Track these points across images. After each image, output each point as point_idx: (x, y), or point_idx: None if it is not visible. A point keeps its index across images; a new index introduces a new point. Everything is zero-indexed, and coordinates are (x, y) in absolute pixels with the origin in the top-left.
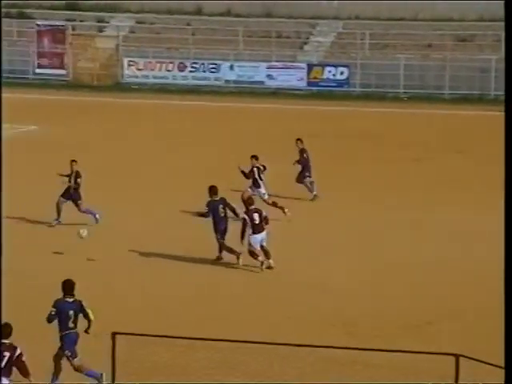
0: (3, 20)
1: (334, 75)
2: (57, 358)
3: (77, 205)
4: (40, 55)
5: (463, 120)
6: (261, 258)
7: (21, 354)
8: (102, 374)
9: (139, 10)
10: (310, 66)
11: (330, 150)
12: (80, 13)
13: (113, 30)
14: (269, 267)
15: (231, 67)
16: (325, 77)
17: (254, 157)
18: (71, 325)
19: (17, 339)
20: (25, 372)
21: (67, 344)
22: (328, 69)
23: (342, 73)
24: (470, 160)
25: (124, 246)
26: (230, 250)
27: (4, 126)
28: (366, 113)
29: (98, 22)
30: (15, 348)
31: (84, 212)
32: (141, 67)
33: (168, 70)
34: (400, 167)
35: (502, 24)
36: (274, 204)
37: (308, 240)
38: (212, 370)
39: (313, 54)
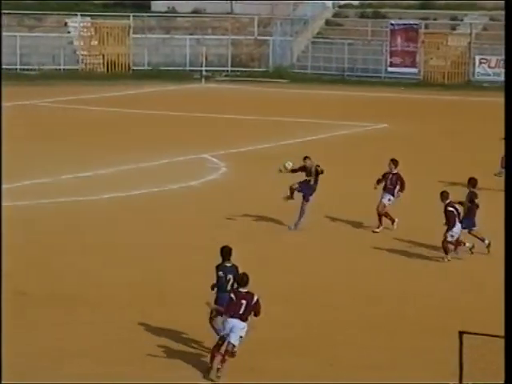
0: (359, 20)
1: None
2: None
3: (306, 200)
4: (392, 54)
5: None
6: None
7: (258, 301)
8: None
9: (494, 7)
10: None
11: None
12: (434, 11)
13: (466, 28)
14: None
15: None
16: None
17: (393, 161)
18: (229, 287)
19: None
20: (258, 313)
21: (219, 303)
22: None
23: None
24: None
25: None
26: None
27: (355, 123)
28: None
29: (451, 20)
30: (252, 295)
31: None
32: (492, 65)
33: None
34: None
35: None
36: (386, 214)
37: None
38: None
39: None
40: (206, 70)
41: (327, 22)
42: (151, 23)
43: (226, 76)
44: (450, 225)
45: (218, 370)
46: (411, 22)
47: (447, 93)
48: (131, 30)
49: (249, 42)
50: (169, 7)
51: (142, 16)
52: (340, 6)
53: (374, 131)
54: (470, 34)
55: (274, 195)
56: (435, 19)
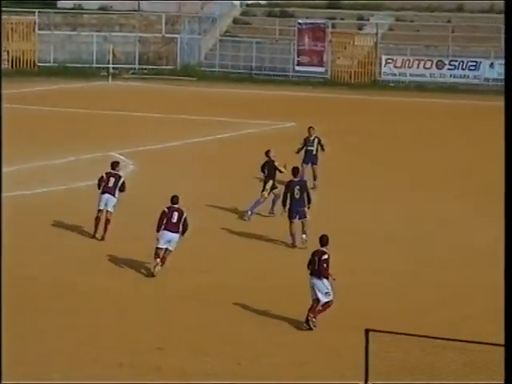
0: (267, 19)
1: None
2: None
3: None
4: (300, 53)
5: None
6: None
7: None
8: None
9: (400, 7)
10: None
11: None
12: (341, 11)
13: (372, 28)
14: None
15: (491, 65)
16: None
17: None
18: None
19: None
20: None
21: None
22: None
23: None
24: None
25: (378, 248)
26: None
27: (262, 122)
28: None
29: (358, 19)
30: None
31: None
32: (398, 65)
33: (426, 68)
34: None
35: None
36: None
37: None
38: (459, 371)
39: None
40: (113, 68)
41: (235, 21)
42: (57, 20)
43: (133, 74)
44: None
45: None
46: (318, 22)
47: (354, 92)
48: (37, 27)
49: (156, 40)
50: (75, 4)
51: (48, 12)
52: (248, 5)
53: (281, 130)
54: (376, 34)
55: (179, 193)
56: (342, 19)
